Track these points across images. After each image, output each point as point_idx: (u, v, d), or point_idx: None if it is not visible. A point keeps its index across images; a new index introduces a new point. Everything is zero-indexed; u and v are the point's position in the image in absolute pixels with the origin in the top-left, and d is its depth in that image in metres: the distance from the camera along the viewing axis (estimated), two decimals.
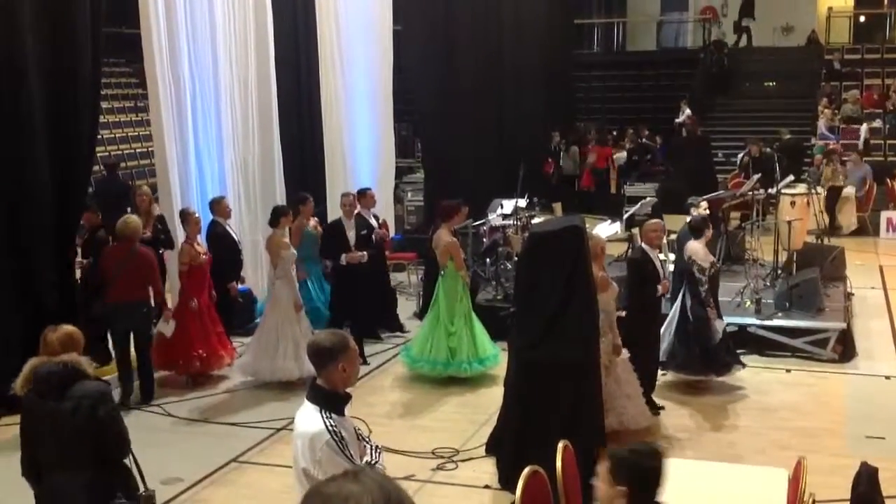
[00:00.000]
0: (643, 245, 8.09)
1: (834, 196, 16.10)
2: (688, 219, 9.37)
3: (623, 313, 8.18)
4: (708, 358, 8.38)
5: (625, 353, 7.47)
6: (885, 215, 16.44)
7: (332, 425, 3.83)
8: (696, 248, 8.40)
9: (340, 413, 3.95)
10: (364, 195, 10.98)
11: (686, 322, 8.38)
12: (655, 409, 7.96)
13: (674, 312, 8.50)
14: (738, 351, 9.13)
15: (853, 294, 11.47)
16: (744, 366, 8.73)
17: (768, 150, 17.11)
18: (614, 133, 20.84)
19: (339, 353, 3.91)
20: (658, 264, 8.02)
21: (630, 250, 12.80)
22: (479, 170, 15.18)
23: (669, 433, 7.67)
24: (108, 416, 4.59)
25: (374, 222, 10.94)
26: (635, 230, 12.65)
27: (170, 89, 10.00)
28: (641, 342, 7.86)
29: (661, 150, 20.05)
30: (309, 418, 3.89)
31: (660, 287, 7.97)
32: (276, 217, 9.14)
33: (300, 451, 3.85)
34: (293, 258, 9.06)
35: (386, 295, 11.10)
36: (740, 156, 17.62)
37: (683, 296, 8.37)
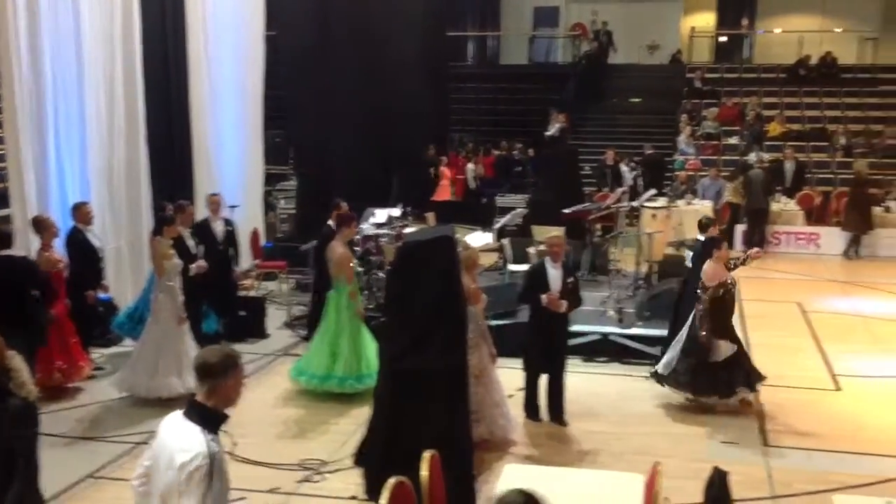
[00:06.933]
0: (546, 258, 8.16)
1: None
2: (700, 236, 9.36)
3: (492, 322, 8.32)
4: (704, 376, 8.43)
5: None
6: (739, 228, 17.21)
7: (215, 449, 3.63)
8: (705, 268, 8.44)
9: (215, 433, 3.74)
10: (208, 200, 10.78)
11: (690, 340, 8.51)
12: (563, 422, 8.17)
13: (684, 330, 8.62)
14: (601, 359, 9.38)
15: None
16: (753, 390, 8.62)
17: (633, 163, 17.74)
18: (470, 146, 21.29)
19: (229, 369, 3.73)
20: (553, 277, 7.99)
21: (502, 260, 13.05)
22: (352, 178, 15.12)
23: (535, 441, 7.82)
24: None
25: (220, 227, 10.60)
26: (505, 240, 12.88)
27: (28, 88, 9.55)
28: (529, 349, 8.11)
29: (532, 162, 20.43)
30: (185, 437, 3.64)
31: (544, 297, 7.89)
32: (159, 226, 8.81)
33: (163, 470, 3.63)
34: (178, 269, 8.65)
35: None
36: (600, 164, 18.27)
37: (693, 315, 8.50)
